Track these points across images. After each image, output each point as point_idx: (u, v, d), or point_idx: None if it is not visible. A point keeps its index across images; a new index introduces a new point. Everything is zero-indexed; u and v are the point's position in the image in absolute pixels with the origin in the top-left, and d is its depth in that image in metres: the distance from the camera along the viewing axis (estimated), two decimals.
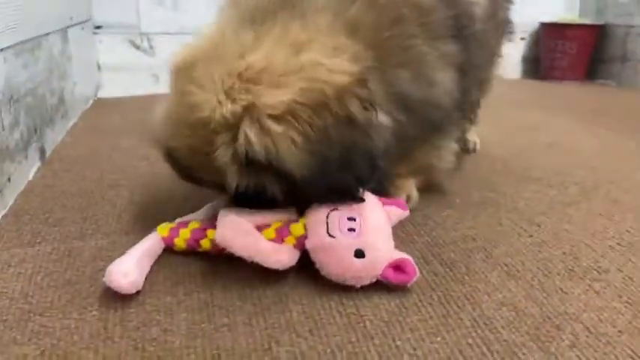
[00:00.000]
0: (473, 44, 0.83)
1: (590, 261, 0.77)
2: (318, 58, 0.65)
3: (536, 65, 2.56)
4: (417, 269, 0.68)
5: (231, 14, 0.73)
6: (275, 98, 0.62)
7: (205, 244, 0.74)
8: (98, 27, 2.04)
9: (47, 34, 1.30)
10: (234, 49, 0.66)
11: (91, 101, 1.88)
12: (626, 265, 0.75)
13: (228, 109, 0.63)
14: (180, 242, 0.75)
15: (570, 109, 1.88)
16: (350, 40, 0.69)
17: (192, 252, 0.75)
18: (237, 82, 0.64)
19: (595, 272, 0.73)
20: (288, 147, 0.61)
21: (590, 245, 0.81)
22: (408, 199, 0.90)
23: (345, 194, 0.68)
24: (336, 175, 0.65)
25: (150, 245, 0.74)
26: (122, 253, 0.71)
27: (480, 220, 0.90)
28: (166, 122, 0.69)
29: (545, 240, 0.83)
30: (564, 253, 0.79)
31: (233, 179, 0.64)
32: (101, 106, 1.86)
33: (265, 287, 0.69)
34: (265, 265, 0.68)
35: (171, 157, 0.71)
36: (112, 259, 0.70)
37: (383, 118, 0.68)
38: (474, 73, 0.87)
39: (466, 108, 0.91)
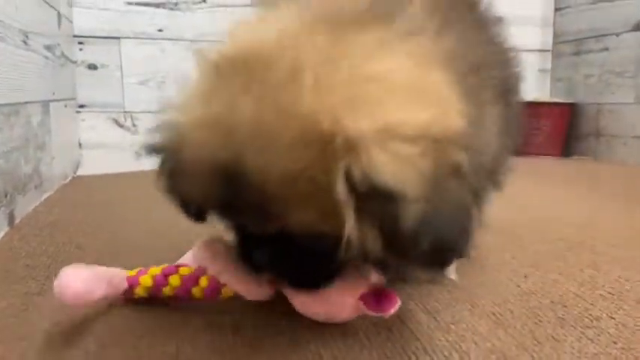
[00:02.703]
0: (513, 110, 0.75)
1: (580, 309, 0.73)
2: (445, 87, 0.53)
3: None
4: (398, 298, 0.64)
5: (292, 14, 0.56)
6: (411, 116, 0.49)
7: (175, 280, 0.69)
8: (81, 106, 2.06)
9: (27, 102, 1.31)
10: (345, 54, 0.51)
11: (69, 178, 1.86)
12: (618, 312, 0.72)
13: (358, 123, 0.47)
14: (146, 279, 0.70)
15: (550, 178, 1.90)
16: (448, 75, 0.55)
17: (156, 300, 0.71)
18: (371, 91, 0.49)
19: (587, 320, 0.70)
20: (413, 178, 0.47)
21: (580, 295, 0.78)
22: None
23: (444, 256, 0.54)
24: (443, 230, 0.50)
25: (112, 274, 0.69)
26: (81, 310, 0.68)
27: (463, 271, 0.86)
28: (240, 131, 0.49)
29: (533, 290, 0.79)
30: (553, 302, 0.75)
31: (349, 221, 0.48)
32: (80, 182, 1.84)
33: (236, 336, 0.64)
34: (235, 289, 0.66)
35: (231, 181, 0.51)
36: (73, 315, 0.65)
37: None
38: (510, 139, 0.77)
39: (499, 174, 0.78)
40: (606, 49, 2.35)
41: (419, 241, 0.48)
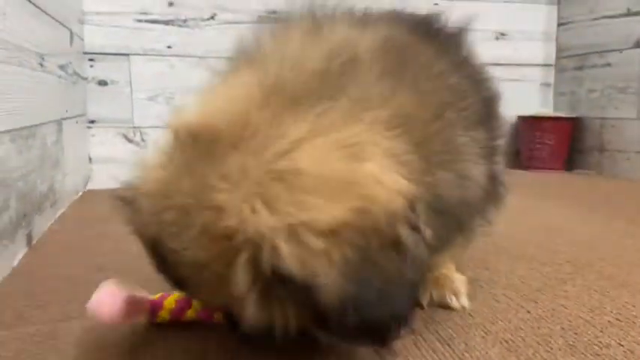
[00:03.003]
0: (497, 130, 0.77)
1: (590, 336, 0.75)
2: (377, 173, 0.52)
3: (517, 156, 2.65)
4: None
5: (253, 82, 0.57)
6: (323, 214, 0.48)
7: (197, 304, 0.73)
8: (92, 121, 2.09)
9: (43, 123, 1.33)
10: (275, 140, 0.51)
11: (80, 193, 1.89)
12: (626, 339, 0.74)
13: (265, 222, 0.47)
14: (169, 302, 0.74)
15: (556, 195, 1.92)
16: (398, 139, 0.56)
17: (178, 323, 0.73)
18: (281, 189, 0.48)
19: (596, 347, 0.72)
20: (326, 268, 0.47)
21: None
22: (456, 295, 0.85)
23: (377, 336, 0.53)
24: (372, 310, 0.50)
25: (140, 295, 0.73)
26: (107, 337, 0.71)
27: (476, 296, 0.88)
28: (166, 214, 0.51)
29: (544, 316, 0.81)
30: (563, 328, 0.77)
31: (250, 309, 0.49)
32: (90, 197, 1.87)
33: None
34: None
35: (160, 255, 0.54)
36: (97, 341, 0.68)
37: (427, 232, 0.54)
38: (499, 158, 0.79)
39: (498, 192, 0.81)
40: (609, 64, 2.38)
41: (343, 319, 0.48)
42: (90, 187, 2.04)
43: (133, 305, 0.69)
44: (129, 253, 1.11)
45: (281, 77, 0.57)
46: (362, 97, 0.57)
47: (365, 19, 0.70)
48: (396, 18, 0.74)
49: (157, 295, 0.75)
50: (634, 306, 0.85)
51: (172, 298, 0.74)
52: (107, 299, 0.67)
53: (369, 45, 0.63)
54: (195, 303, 0.73)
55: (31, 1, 1.25)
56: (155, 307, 0.73)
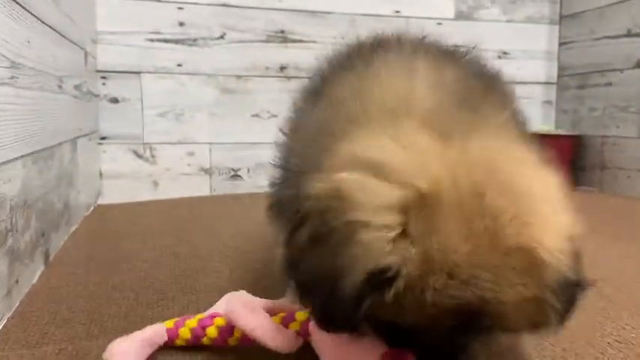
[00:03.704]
0: None
1: (590, 357, 0.78)
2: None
3: None
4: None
5: (424, 131, 0.60)
6: (562, 221, 0.62)
7: (212, 332, 0.75)
8: (103, 138, 2.14)
9: (60, 143, 1.38)
10: (501, 174, 0.58)
11: (92, 208, 1.93)
12: None
13: (544, 236, 0.57)
14: (185, 332, 0.76)
15: None
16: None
17: (193, 347, 0.76)
18: (531, 206, 0.58)
19: None
20: (574, 263, 0.62)
21: (590, 342, 0.83)
22: None
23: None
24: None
25: (152, 334, 0.75)
26: None
27: None
28: (483, 267, 0.54)
29: (547, 338, 0.85)
30: (565, 349, 0.81)
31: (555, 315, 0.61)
32: (102, 212, 1.91)
33: None
34: (265, 342, 0.70)
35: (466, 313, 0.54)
36: None
37: None
38: None
39: None
40: (610, 84, 2.42)
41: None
42: (100, 201, 2.08)
43: (148, 343, 0.73)
44: (141, 270, 1.15)
45: (435, 117, 0.63)
46: (505, 133, 0.66)
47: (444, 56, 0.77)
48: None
49: (172, 323, 0.77)
50: (633, 328, 0.88)
51: (187, 329, 0.76)
52: (126, 349, 0.70)
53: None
54: (209, 331, 0.75)
55: (52, 28, 1.30)
56: (172, 336, 0.76)
